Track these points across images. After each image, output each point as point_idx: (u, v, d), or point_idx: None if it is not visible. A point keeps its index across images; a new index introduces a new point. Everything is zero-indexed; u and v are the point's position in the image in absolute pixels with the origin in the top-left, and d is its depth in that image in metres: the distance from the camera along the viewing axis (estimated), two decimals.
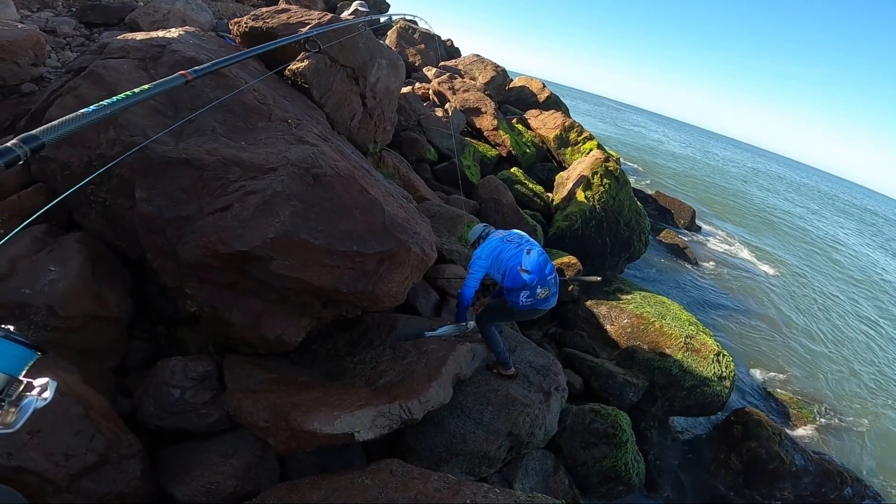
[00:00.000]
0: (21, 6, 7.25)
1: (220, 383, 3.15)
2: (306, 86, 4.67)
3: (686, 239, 14.07)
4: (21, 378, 0.87)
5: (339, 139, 4.19)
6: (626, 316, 6.56)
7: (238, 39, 5.07)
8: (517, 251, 3.73)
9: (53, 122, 1.08)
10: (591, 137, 11.70)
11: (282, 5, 6.21)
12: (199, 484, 2.77)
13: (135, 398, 3.07)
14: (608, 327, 6.53)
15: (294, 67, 4.66)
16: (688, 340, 6.16)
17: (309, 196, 2.95)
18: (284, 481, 2.95)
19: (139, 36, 3.99)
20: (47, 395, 0.88)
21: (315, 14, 4.92)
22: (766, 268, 14.90)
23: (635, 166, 23.73)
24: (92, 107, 1.19)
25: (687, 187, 22.63)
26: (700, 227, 16.46)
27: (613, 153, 10.93)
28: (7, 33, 5.16)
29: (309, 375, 3.41)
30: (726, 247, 15.65)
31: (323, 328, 3.60)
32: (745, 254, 15.59)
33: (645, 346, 6.18)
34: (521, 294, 3.69)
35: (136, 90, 1.35)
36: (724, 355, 6.22)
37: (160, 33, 4.04)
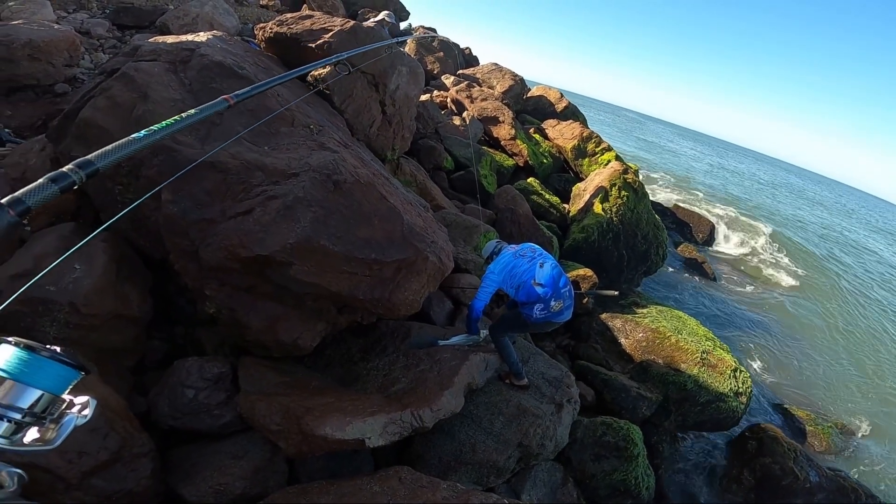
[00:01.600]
0: (57, 7, 7.44)
1: (233, 385, 3.18)
2: (328, 91, 4.74)
3: (704, 253, 13.90)
4: (64, 396, 0.89)
5: (358, 146, 4.24)
6: (642, 330, 6.50)
7: (263, 45, 5.17)
8: (530, 265, 3.74)
9: (108, 148, 1.12)
10: (609, 148, 11.63)
11: (305, 11, 6.30)
12: (207, 485, 2.79)
13: (150, 397, 3.12)
14: (623, 340, 6.48)
15: (316, 73, 4.73)
16: (704, 356, 6.08)
17: (329, 202, 2.99)
18: (293, 485, 2.96)
19: (169, 39, 4.08)
20: (87, 412, 0.90)
21: (338, 21, 5.01)
22: (787, 282, 14.59)
23: (655, 177, 23.50)
24: (143, 132, 1.23)
25: (706, 200, 22.32)
26: (719, 241, 16.23)
27: (632, 165, 10.85)
28: (43, 33, 5.31)
29: (322, 380, 3.44)
30: (745, 261, 15.39)
31: (337, 334, 3.63)
32: (764, 269, 15.29)
33: (660, 361, 6.12)
34: (535, 307, 3.70)
35: (184, 114, 1.40)
36: (740, 371, 6.13)
37: (189, 37, 4.12)
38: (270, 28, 4.94)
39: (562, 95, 14.40)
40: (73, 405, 0.90)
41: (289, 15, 5.16)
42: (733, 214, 20.11)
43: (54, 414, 0.87)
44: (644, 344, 6.35)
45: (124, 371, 3.23)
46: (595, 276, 6.84)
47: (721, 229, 16.89)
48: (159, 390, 3.09)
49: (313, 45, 4.69)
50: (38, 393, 0.85)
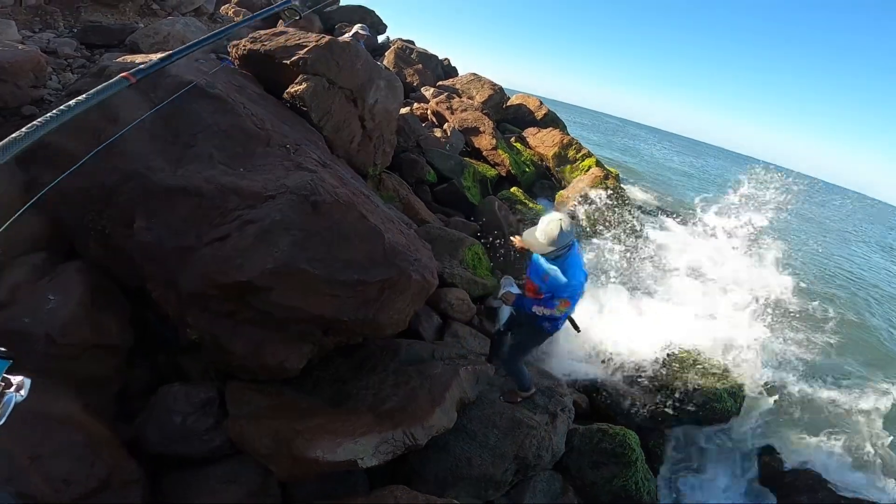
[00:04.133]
0: (22, 26, 7.22)
1: (221, 409, 3.13)
2: (305, 109, 4.67)
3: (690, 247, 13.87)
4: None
5: (338, 163, 4.18)
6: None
7: (237, 62, 5.09)
8: (579, 263, 3.37)
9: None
10: (589, 154, 11.76)
11: (279, 28, 6.24)
12: None
13: (136, 424, 3.06)
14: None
15: (293, 90, 4.66)
16: (697, 355, 6.14)
17: (308, 224, 2.94)
18: None
19: (138, 59, 4.00)
20: (24, 392, 1.00)
21: (312, 37, 4.95)
22: (785, 278, 14.33)
23: (633, 180, 23.75)
24: (37, 121, 1.19)
25: (686, 195, 22.60)
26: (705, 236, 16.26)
27: (612, 170, 10.97)
28: (7, 54, 5.08)
29: (311, 401, 3.38)
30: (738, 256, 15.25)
31: (325, 354, 3.58)
32: (760, 263, 15.14)
33: (656, 364, 6.15)
34: (563, 317, 3.54)
35: (83, 97, 1.34)
36: (733, 368, 6.20)
37: (160, 56, 4.04)
38: (244, 45, 4.86)
39: (541, 103, 14.55)
40: (11, 384, 1.00)
41: (262, 32, 5.09)
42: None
43: None
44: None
45: (108, 399, 3.18)
46: None
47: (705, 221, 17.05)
48: (146, 417, 3.04)
49: (288, 62, 4.64)
50: None
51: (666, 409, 5.76)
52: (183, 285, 2.82)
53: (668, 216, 16.02)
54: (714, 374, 6.01)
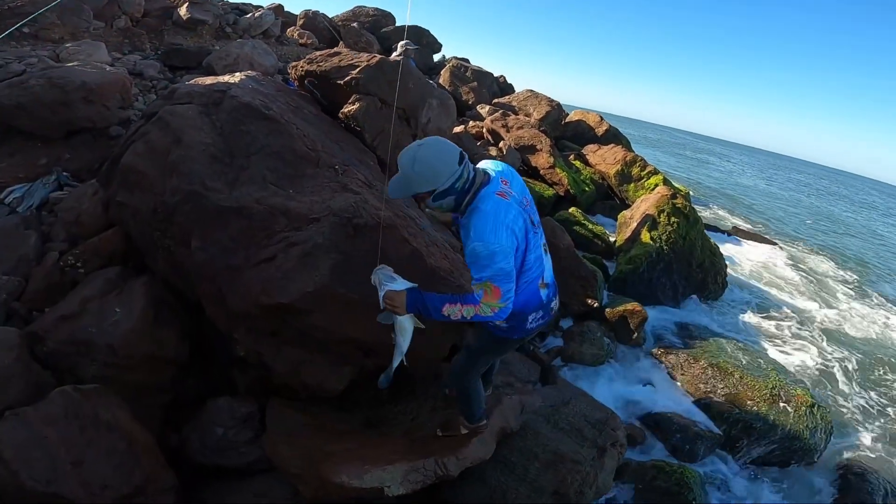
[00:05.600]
0: (112, 48, 7.84)
1: (261, 424, 3.21)
2: (358, 129, 4.78)
3: (769, 277, 12.93)
4: None
5: (385, 183, 4.22)
6: (700, 366, 6.08)
7: (296, 82, 5.30)
8: (536, 242, 2.26)
9: None
10: (655, 172, 11.25)
11: (336, 48, 6.44)
12: None
13: (183, 434, 3.22)
14: (678, 377, 6.09)
15: (346, 110, 4.78)
16: (774, 391, 5.60)
17: (349, 247, 2.97)
18: None
19: (207, 81, 4.24)
20: None
21: (364, 56, 5.07)
22: (867, 310, 13.16)
23: (706, 199, 22.47)
24: None
25: (766, 221, 21.05)
26: (784, 265, 15.11)
27: (681, 188, 10.42)
28: (96, 76, 5.50)
29: (349, 422, 3.40)
30: (817, 287, 14.13)
31: (367, 374, 3.57)
32: (842, 293, 13.92)
33: (721, 398, 5.69)
34: (531, 317, 2.38)
35: None
36: (819, 407, 5.60)
37: (225, 78, 4.28)
38: (301, 66, 5.05)
39: (602, 118, 14.16)
40: None
41: (318, 53, 5.27)
42: (798, 233, 18.82)
43: None
44: (703, 380, 5.93)
45: (158, 408, 3.35)
46: (643, 310, 6.46)
47: (784, 252, 15.85)
48: (192, 427, 3.19)
49: (342, 82, 4.77)
50: None
51: (735, 446, 5.34)
52: (230, 304, 2.92)
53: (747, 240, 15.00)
54: (797, 409, 5.47)
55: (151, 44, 8.86)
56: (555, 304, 2.53)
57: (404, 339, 2.34)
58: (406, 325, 2.30)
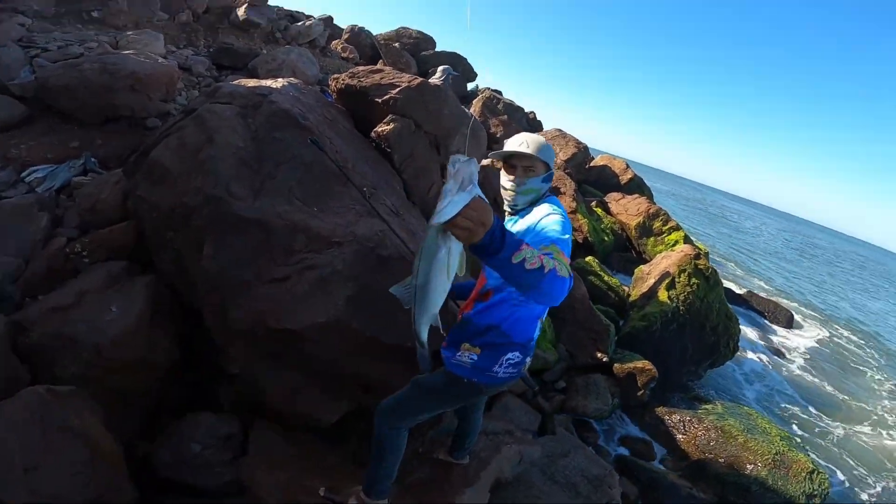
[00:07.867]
0: (170, 41, 7.96)
1: (242, 447, 3.02)
2: (389, 150, 4.68)
3: (780, 342, 12.59)
4: None
5: (412, 213, 4.09)
6: (704, 427, 5.85)
7: (335, 95, 5.25)
8: None
9: None
10: (677, 228, 11.03)
11: (378, 66, 6.44)
12: None
13: (156, 444, 3.00)
14: (679, 437, 5.85)
15: (380, 130, 4.69)
16: (776, 457, 5.36)
17: (368, 279, 2.81)
18: None
19: (250, 83, 4.17)
20: None
21: (406, 77, 5.01)
22: (879, 377, 12.80)
23: (724, 261, 22.14)
24: None
25: (785, 287, 20.62)
26: (798, 330, 14.72)
27: (702, 247, 10.19)
28: (147, 66, 5.53)
29: (336, 456, 3.19)
30: (830, 353, 13.74)
31: (360, 409, 3.41)
32: (854, 361, 13.55)
33: (721, 460, 5.46)
34: (506, 357, 2.01)
35: None
36: (818, 473, 5.34)
37: (268, 82, 4.21)
38: (343, 80, 5.00)
39: (627, 166, 14.03)
40: None
41: (361, 68, 5.24)
42: (816, 300, 18.32)
43: None
44: (705, 442, 5.69)
45: (135, 415, 3.14)
46: (653, 369, 6.23)
47: (800, 318, 15.43)
48: (166, 439, 2.98)
49: (379, 101, 4.70)
50: None
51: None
52: (232, 319, 2.76)
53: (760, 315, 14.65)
54: (795, 474, 5.22)
55: (205, 40, 8.99)
56: (529, 360, 2.13)
57: (444, 282, 1.42)
58: (455, 262, 1.38)
